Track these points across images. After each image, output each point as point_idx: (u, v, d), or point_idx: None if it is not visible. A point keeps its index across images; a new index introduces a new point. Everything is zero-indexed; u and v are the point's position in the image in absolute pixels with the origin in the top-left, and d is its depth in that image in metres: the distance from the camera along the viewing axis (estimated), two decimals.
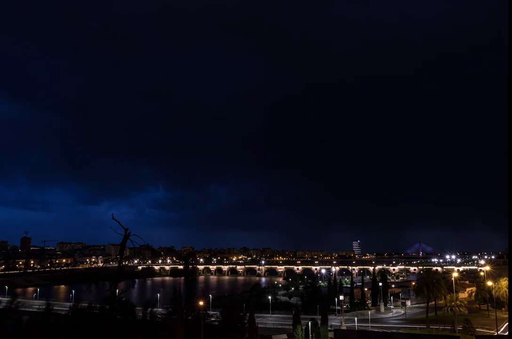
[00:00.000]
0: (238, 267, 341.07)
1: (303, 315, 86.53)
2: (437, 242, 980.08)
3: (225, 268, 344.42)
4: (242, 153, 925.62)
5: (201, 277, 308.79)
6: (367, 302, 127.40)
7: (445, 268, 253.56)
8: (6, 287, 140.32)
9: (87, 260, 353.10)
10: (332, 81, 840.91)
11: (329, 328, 76.20)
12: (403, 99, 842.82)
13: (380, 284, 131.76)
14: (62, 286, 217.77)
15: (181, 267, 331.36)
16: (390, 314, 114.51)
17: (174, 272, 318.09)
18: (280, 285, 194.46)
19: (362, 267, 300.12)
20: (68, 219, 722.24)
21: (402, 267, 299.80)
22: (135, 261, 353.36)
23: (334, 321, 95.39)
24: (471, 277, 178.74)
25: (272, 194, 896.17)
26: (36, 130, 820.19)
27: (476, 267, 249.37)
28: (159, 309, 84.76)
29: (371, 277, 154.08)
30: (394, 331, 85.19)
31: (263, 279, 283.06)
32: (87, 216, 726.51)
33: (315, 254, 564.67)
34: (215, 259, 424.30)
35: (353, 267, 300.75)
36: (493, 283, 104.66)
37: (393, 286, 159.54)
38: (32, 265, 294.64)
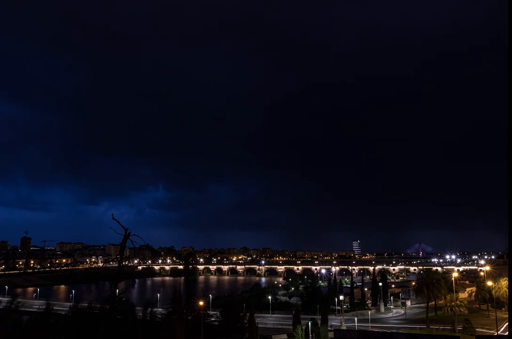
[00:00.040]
0: (238, 267, 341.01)
1: (303, 315, 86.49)
2: (437, 242, 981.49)
3: (225, 268, 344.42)
4: (242, 153, 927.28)
5: (201, 277, 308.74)
6: (367, 302, 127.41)
7: (445, 268, 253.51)
8: (6, 287, 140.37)
9: (87, 260, 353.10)
10: (332, 81, 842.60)
11: (329, 328, 76.19)
12: (403, 99, 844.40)
13: (380, 284, 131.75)
14: (62, 286, 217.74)
15: (181, 267, 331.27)
16: (390, 314, 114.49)
17: (174, 272, 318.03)
18: (280, 285, 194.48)
19: (362, 267, 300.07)
20: (68, 219, 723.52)
21: (402, 267, 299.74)
22: (135, 261, 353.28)
23: (334, 321, 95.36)
24: (471, 277, 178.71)
25: (272, 194, 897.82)
26: (36, 130, 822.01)
27: (476, 267, 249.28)
28: (159, 309, 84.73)
29: (371, 277, 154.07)
30: (394, 331, 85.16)
31: (263, 279, 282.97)
32: (87, 216, 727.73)
33: (315, 254, 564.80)
34: (215, 259, 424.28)
35: (353, 267, 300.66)
36: (493, 283, 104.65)
37: (393, 286, 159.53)
38: (32, 265, 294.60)
